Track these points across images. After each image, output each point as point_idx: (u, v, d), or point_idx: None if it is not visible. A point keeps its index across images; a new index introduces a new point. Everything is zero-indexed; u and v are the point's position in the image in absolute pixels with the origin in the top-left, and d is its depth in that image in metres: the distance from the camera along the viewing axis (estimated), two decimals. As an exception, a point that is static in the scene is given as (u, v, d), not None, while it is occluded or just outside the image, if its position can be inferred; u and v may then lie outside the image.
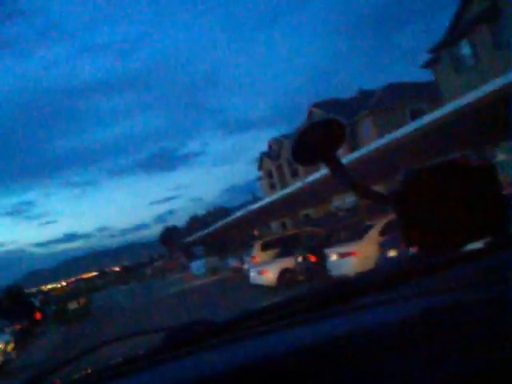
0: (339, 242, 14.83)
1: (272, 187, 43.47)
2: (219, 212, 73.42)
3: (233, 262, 28.95)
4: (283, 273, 16.72)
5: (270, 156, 44.39)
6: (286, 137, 40.23)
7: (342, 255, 12.99)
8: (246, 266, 21.91)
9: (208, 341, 0.89)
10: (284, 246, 18.85)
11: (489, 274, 0.89)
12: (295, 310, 0.97)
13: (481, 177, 1.01)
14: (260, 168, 46.83)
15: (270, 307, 1.02)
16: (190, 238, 50.20)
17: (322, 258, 14.29)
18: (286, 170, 40.75)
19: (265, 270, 17.17)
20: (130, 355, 0.90)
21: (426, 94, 31.17)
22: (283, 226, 40.94)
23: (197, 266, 38.68)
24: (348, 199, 31.95)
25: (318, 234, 19.40)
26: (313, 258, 15.17)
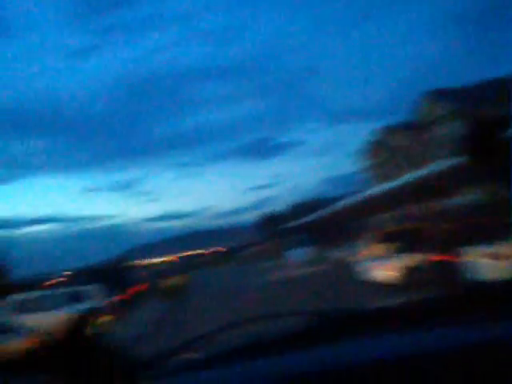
0: (479, 239, 12.59)
1: (382, 177, 41.29)
2: (320, 201, 71.83)
3: (338, 253, 27.58)
4: (406, 270, 14.62)
5: (380, 145, 42.20)
6: (400, 126, 37.88)
7: (487, 256, 11.10)
8: (355, 259, 20.15)
9: (353, 330, 0.88)
10: (407, 240, 16.86)
11: None
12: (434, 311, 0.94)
13: None
14: (369, 156, 44.71)
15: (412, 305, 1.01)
16: (289, 225, 49.24)
17: (458, 257, 12.39)
18: (400, 160, 38.43)
19: (383, 266, 15.25)
20: (274, 335, 0.89)
21: None
22: (392, 219, 38.71)
23: (296, 254, 37.66)
24: (476, 195, 29.29)
25: (449, 229, 17.29)
26: (445, 256, 13.11)
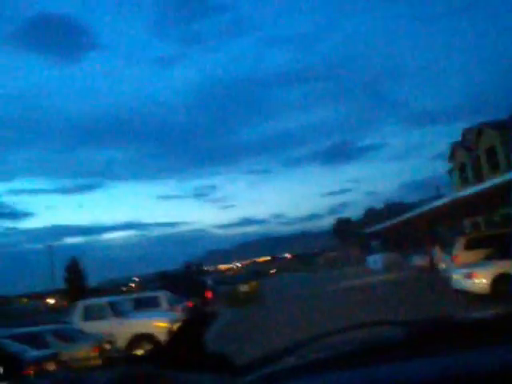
0: None
1: (464, 181, 38.88)
2: (397, 206, 69.27)
3: (417, 260, 25.89)
4: (500, 279, 13.29)
5: (463, 146, 39.73)
6: (487, 125, 35.41)
7: None
8: (442, 266, 18.65)
9: (451, 341, 0.88)
10: (498, 246, 15.31)
11: None
12: None
13: None
14: (451, 160, 42.26)
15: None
16: (365, 231, 47.53)
17: None
18: (484, 163, 35.93)
19: (475, 273, 13.78)
20: (376, 343, 0.91)
21: None
22: (475, 226, 36.30)
23: (373, 260, 36.07)
24: None
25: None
26: None
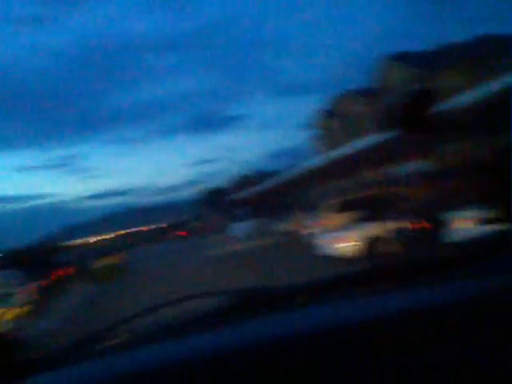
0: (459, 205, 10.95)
1: (331, 147, 39.39)
2: (265, 174, 69.70)
3: (284, 226, 25.30)
4: (371, 242, 12.89)
5: (330, 113, 40.12)
6: (354, 92, 35.81)
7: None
8: (309, 231, 17.88)
9: (272, 307, 0.89)
10: (368, 208, 14.88)
11: None
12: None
13: None
14: (317, 127, 42.54)
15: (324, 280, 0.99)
16: (232, 198, 46.98)
17: (438, 225, 10.57)
18: (350, 128, 36.44)
19: (343, 238, 13.30)
20: (196, 314, 0.90)
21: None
22: (328, 193, 36.95)
23: (240, 228, 35.23)
24: (419, 164, 27.80)
25: (417, 196, 15.34)
26: (421, 224, 11.25)
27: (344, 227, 14.33)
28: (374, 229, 13.09)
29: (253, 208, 37.29)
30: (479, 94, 13.58)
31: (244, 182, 69.36)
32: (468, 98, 14.65)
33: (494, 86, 12.70)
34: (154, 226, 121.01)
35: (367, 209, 14.80)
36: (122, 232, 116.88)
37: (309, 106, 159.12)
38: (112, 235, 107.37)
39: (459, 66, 28.11)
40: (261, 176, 68.04)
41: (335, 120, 38.76)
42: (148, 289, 14.79)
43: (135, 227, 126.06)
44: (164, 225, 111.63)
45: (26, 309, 14.48)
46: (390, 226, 12.50)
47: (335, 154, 23.09)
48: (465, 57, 28.19)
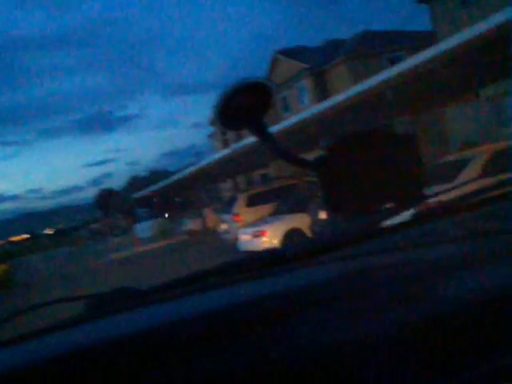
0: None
1: (226, 144, 39.54)
2: (162, 174, 68.73)
3: (189, 224, 25.09)
4: (291, 234, 12.62)
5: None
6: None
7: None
8: (223, 228, 17.32)
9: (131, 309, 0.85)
10: (283, 200, 14.69)
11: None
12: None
13: (402, 145, 1.07)
14: (212, 123, 42.60)
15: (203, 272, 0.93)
16: (130, 198, 45.87)
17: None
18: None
19: (263, 231, 12.80)
20: (49, 323, 0.86)
21: (407, 43, 28.16)
22: (235, 187, 37.27)
23: (141, 228, 34.49)
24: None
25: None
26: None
27: (264, 220, 14.04)
28: (293, 220, 12.96)
29: (153, 208, 36.64)
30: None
31: (141, 181, 68.03)
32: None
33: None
34: (49, 231, 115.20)
35: (286, 200, 14.72)
36: (13, 239, 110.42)
37: (203, 104, 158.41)
38: (2, 242, 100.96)
39: (344, 60, 29.39)
40: (157, 175, 67.11)
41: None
42: (36, 299, 14.01)
43: (27, 233, 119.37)
44: (59, 229, 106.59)
45: None
46: (308, 217, 12.46)
47: (231, 149, 23.23)
48: (349, 52, 29.50)
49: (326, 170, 1.03)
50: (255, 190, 17.53)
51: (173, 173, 57.71)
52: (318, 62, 30.85)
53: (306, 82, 30.96)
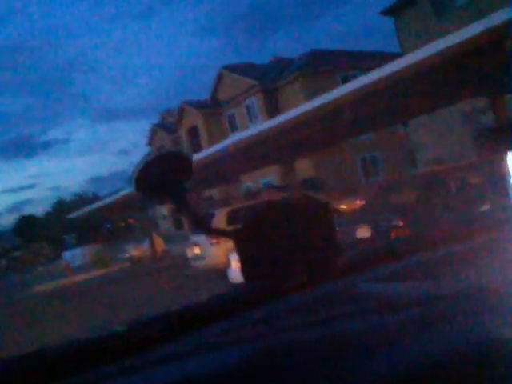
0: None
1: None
2: (90, 198, 64.70)
3: (132, 250, 22.43)
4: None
5: (164, 128, 37.97)
6: (188, 104, 34.11)
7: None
8: (196, 252, 14.43)
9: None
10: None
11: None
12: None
13: (316, 214, 1.10)
14: (150, 143, 40.02)
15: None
16: (56, 224, 42.41)
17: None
18: (186, 145, 34.66)
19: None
20: None
21: (361, 62, 27.28)
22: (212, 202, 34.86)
23: (71, 255, 31.24)
24: (265, 179, 27.07)
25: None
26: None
27: None
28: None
29: (86, 233, 33.40)
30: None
31: (68, 205, 63.82)
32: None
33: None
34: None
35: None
36: None
37: (131, 131, 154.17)
38: None
39: (293, 78, 28.29)
40: (85, 199, 63.20)
41: (170, 135, 36.82)
42: None
43: None
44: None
45: None
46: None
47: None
48: (297, 70, 28.40)
49: (242, 240, 1.05)
50: (237, 204, 15.21)
51: (102, 198, 54.21)
52: (267, 79, 29.39)
53: (256, 99, 29.34)
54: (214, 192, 29.47)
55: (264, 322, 0.84)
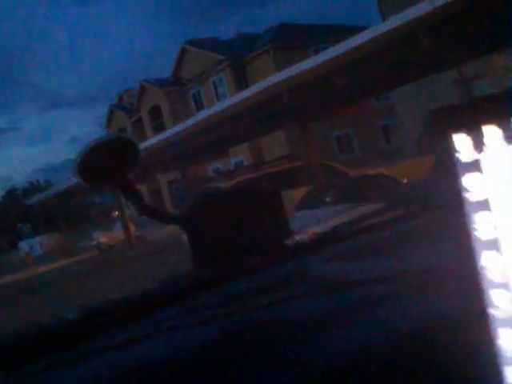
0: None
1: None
2: (43, 186, 61.87)
3: (100, 237, 20.87)
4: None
5: (123, 109, 36.04)
6: (149, 83, 32.34)
7: None
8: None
9: None
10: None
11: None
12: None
13: (266, 200, 1.10)
14: (109, 126, 37.96)
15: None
16: (8, 213, 40.37)
17: None
18: (148, 125, 32.91)
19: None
20: None
21: (334, 37, 26.27)
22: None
23: (29, 246, 29.27)
24: (236, 159, 25.83)
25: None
26: None
27: None
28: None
29: (44, 221, 31.42)
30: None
31: (20, 194, 60.98)
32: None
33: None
34: None
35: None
36: None
37: (82, 118, 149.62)
38: None
39: (264, 51, 27.10)
40: (38, 187, 60.40)
41: (130, 116, 34.97)
42: None
43: None
44: None
45: None
46: None
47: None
48: (269, 43, 27.17)
49: (191, 225, 1.04)
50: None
51: (47, 187, 51.54)
52: (234, 54, 27.97)
53: (224, 75, 27.89)
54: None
55: (217, 306, 0.83)
